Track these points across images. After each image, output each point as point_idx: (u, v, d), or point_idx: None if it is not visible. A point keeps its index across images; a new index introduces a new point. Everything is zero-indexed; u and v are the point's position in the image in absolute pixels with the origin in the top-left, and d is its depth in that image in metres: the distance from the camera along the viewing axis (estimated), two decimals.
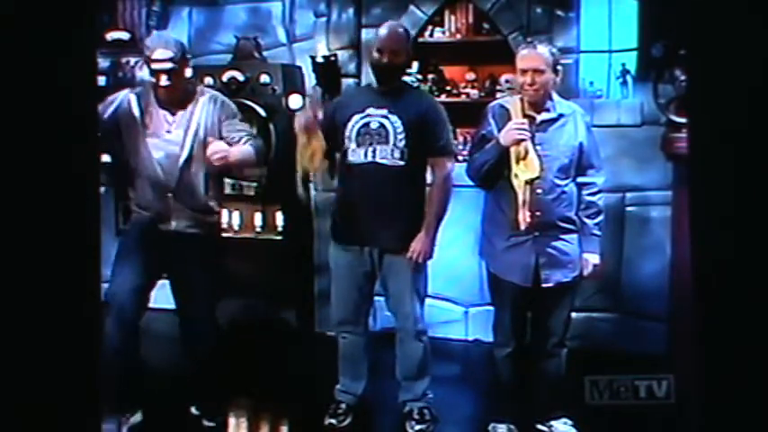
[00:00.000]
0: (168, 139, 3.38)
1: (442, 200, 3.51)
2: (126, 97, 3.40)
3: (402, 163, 3.44)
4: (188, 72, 3.46)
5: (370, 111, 3.45)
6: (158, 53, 3.29)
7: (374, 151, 3.43)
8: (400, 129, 3.43)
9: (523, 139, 3.22)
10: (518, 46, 4.59)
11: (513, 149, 3.24)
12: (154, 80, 3.33)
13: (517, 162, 3.24)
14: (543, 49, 3.28)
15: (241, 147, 3.41)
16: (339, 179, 3.62)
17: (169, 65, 3.28)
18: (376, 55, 3.46)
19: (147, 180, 3.39)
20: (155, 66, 3.29)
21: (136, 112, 3.37)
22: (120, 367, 3.34)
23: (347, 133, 3.45)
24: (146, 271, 3.43)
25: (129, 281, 3.39)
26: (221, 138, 3.40)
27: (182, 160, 3.37)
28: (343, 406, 3.69)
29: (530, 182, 3.24)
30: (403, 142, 3.43)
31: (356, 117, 3.45)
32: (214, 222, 3.57)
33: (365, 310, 3.69)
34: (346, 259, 3.56)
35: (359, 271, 3.56)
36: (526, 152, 3.23)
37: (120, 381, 3.37)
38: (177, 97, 3.39)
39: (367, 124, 3.44)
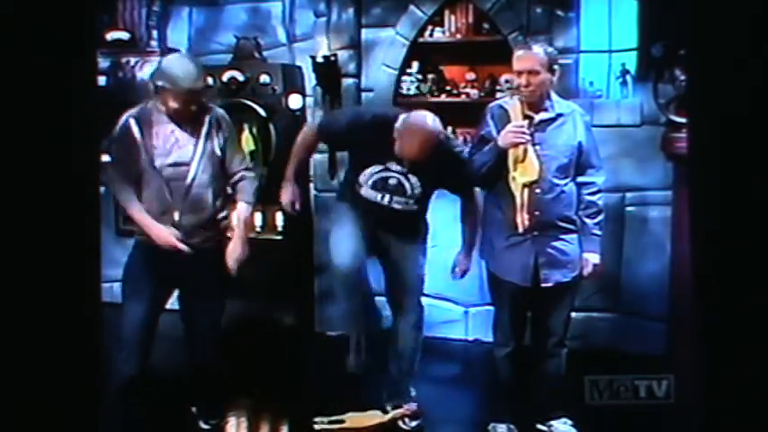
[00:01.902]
0: (178, 155, 3.36)
1: (478, 224, 3.55)
2: (126, 123, 3.36)
3: (415, 207, 3.52)
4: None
5: (390, 165, 3.44)
6: (192, 83, 3.28)
7: (390, 200, 3.48)
8: (418, 186, 3.47)
9: (521, 143, 3.21)
10: (518, 45, 4.62)
11: (511, 152, 3.23)
12: (176, 105, 3.31)
13: (515, 165, 3.23)
14: (538, 50, 3.27)
15: (239, 226, 3.50)
16: (349, 191, 3.59)
17: (200, 93, 3.34)
18: (398, 150, 3.35)
19: (153, 198, 3.36)
20: (187, 95, 3.29)
21: (137, 134, 3.33)
22: (127, 387, 3.42)
23: (363, 176, 3.47)
24: (156, 303, 3.46)
25: (141, 318, 3.41)
26: (223, 162, 3.45)
27: (190, 177, 3.36)
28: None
29: (528, 185, 3.23)
30: (418, 194, 3.48)
31: (375, 168, 3.45)
32: (221, 235, 3.53)
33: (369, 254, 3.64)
34: (357, 222, 3.54)
35: (367, 227, 3.55)
36: (525, 155, 3.22)
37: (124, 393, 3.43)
38: (194, 115, 3.39)
39: (385, 179, 3.46)
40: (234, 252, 3.47)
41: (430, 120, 3.34)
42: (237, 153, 3.59)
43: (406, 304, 3.62)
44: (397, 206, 3.48)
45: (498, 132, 3.27)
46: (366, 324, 3.64)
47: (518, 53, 3.32)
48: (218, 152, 3.42)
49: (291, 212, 3.73)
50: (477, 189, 3.57)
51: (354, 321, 3.62)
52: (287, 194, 3.67)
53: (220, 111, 3.54)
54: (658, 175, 4.56)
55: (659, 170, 4.55)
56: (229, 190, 3.56)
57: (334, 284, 3.65)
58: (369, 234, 3.55)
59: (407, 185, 3.46)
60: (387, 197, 3.48)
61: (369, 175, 3.46)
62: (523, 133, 3.20)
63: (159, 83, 3.32)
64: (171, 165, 3.35)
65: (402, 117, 3.39)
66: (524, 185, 3.23)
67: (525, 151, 3.22)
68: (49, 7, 1.48)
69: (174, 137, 3.37)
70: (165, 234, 3.34)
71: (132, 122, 3.35)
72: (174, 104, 3.31)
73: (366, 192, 3.49)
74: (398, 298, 3.63)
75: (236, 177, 3.51)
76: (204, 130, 3.40)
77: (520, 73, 3.25)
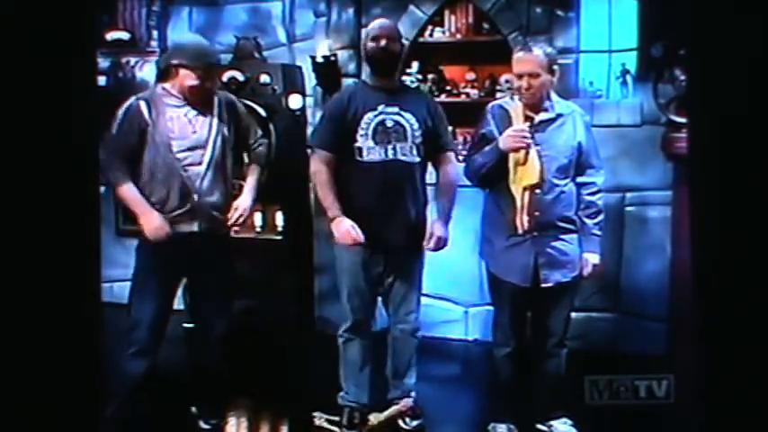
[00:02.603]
0: (193, 139, 3.35)
1: (455, 191, 3.58)
2: (135, 104, 3.33)
3: (418, 159, 3.49)
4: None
5: (382, 108, 3.46)
6: (210, 54, 3.36)
7: (394, 149, 3.44)
8: (416, 126, 3.47)
9: (522, 147, 3.20)
10: (517, 46, 4.61)
11: (512, 155, 3.22)
12: (194, 82, 3.30)
13: (516, 167, 3.23)
14: (538, 52, 3.26)
15: (250, 185, 3.57)
16: (348, 179, 3.51)
17: (216, 66, 3.39)
18: (372, 44, 3.50)
19: (171, 185, 3.33)
20: (205, 68, 3.30)
21: (147, 117, 3.30)
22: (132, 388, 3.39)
23: (362, 132, 3.43)
24: (169, 296, 3.44)
25: (155, 313, 3.38)
26: (238, 139, 3.50)
27: (206, 160, 3.36)
28: (357, 414, 3.64)
29: (528, 188, 3.22)
30: (419, 139, 3.47)
31: (369, 115, 3.44)
32: (226, 221, 3.56)
33: (374, 310, 3.68)
34: (358, 259, 3.52)
35: (372, 270, 3.54)
36: (526, 158, 3.21)
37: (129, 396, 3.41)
38: (208, 95, 3.40)
39: (383, 122, 3.44)
40: (242, 203, 3.50)
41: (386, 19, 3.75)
42: (252, 125, 3.69)
43: (407, 311, 3.61)
44: (402, 156, 3.44)
45: (499, 132, 3.27)
46: (361, 402, 3.64)
47: (518, 55, 3.30)
48: (227, 133, 3.43)
49: (356, 242, 3.41)
50: (454, 158, 3.61)
51: (353, 395, 3.64)
52: (342, 226, 3.41)
53: (227, 93, 3.60)
54: (658, 175, 4.56)
55: (659, 170, 4.55)
56: (246, 159, 3.64)
57: (341, 350, 3.66)
58: (373, 261, 3.52)
59: (405, 123, 3.44)
60: (390, 148, 3.43)
61: (366, 126, 3.43)
62: (524, 137, 3.19)
63: (175, 61, 3.32)
64: (189, 149, 3.34)
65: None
66: (525, 188, 3.22)
67: (527, 154, 3.21)
68: (49, 7, 1.48)
69: (188, 120, 3.36)
70: (157, 223, 3.28)
71: (142, 104, 3.32)
72: (191, 82, 3.30)
73: (369, 153, 3.43)
74: (399, 305, 3.61)
75: (255, 145, 3.62)
76: (216, 111, 3.41)
77: (520, 75, 3.24)
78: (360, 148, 3.43)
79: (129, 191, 3.30)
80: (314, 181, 3.57)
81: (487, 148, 3.29)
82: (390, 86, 3.54)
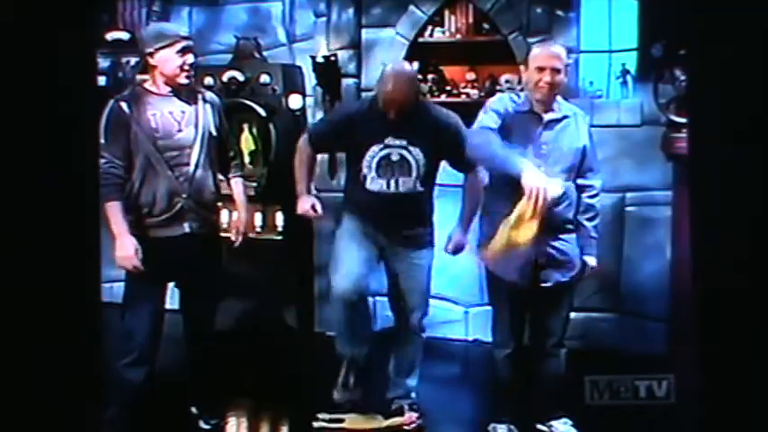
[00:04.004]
0: (180, 137, 3.30)
1: (479, 200, 3.52)
2: (115, 105, 3.26)
3: (422, 189, 3.49)
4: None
5: (389, 141, 3.42)
6: (179, 29, 3.38)
7: (396, 183, 3.44)
8: (422, 161, 3.44)
9: (535, 205, 2.98)
10: (518, 46, 4.62)
11: (522, 203, 3.00)
12: (173, 65, 3.26)
13: (518, 217, 3.02)
14: (560, 49, 3.26)
15: (240, 199, 3.62)
16: (354, 194, 3.57)
17: (191, 42, 3.36)
18: (382, 102, 3.39)
19: (157, 186, 3.27)
20: (181, 44, 3.27)
21: (129, 117, 3.24)
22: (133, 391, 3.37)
23: (365, 162, 3.44)
24: (161, 300, 3.41)
25: (148, 319, 3.35)
26: (219, 142, 3.47)
27: (194, 160, 3.33)
28: (352, 373, 3.64)
29: (513, 241, 3.06)
30: (424, 171, 3.46)
31: (375, 148, 3.42)
32: (215, 221, 3.58)
33: (369, 274, 3.58)
34: (361, 227, 3.53)
35: (372, 239, 3.54)
36: (533, 216, 3.00)
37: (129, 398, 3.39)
38: (191, 86, 3.38)
39: (387, 156, 3.42)
40: (241, 221, 3.56)
41: (407, 65, 3.72)
42: (232, 143, 3.74)
43: (411, 308, 3.61)
44: (404, 189, 3.44)
45: (504, 121, 3.19)
46: (358, 356, 3.63)
47: (541, 49, 3.27)
48: (214, 132, 3.41)
49: (315, 217, 3.67)
50: (481, 174, 3.47)
51: (348, 350, 3.62)
52: (304, 203, 3.61)
53: (211, 94, 3.56)
54: (658, 175, 4.57)
55: (659, 170, 4.55)
56: (221, 176, 3.58)
57: (333, 308, 3.59)
58: (375, 241, 3.53)
59: (411, 159, 3.42)
60: (393, 182, 3.43)
61: (370, 158, 3.42)
62: (544, 199, 2.98)
63: (149, 49, 3.27)
64: (175, 148, 3.29)
65: (382, 69, 3.53)
66: (510, 237, 3.05)
67: (533, 215, 3.00)
68: (49, 7, 1.48)
69: (173, 119, 3.31)
70: (129, 252, 3.18)
71: (123, 104, 3.26)
72: (170, 66, 3.26)
73: (372, 183, 3.44)
74: (405, 301, 3.62)
75: (232, 163, 3.64)
76: (200, 109, 3.38)
77: (541, 69, 3.18)
78: (364, 176, 3.46)
79: (111, 209, 3.18)
80: (295, 155, 3.64)
81: (512, 159, 3.07)
82: (402, 116, 3.41)
